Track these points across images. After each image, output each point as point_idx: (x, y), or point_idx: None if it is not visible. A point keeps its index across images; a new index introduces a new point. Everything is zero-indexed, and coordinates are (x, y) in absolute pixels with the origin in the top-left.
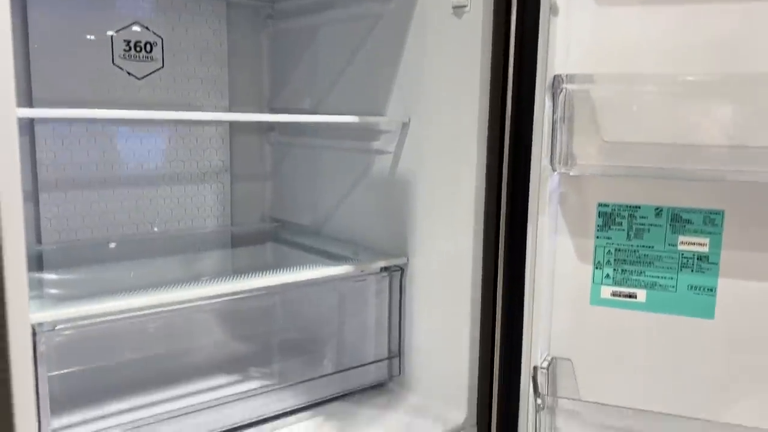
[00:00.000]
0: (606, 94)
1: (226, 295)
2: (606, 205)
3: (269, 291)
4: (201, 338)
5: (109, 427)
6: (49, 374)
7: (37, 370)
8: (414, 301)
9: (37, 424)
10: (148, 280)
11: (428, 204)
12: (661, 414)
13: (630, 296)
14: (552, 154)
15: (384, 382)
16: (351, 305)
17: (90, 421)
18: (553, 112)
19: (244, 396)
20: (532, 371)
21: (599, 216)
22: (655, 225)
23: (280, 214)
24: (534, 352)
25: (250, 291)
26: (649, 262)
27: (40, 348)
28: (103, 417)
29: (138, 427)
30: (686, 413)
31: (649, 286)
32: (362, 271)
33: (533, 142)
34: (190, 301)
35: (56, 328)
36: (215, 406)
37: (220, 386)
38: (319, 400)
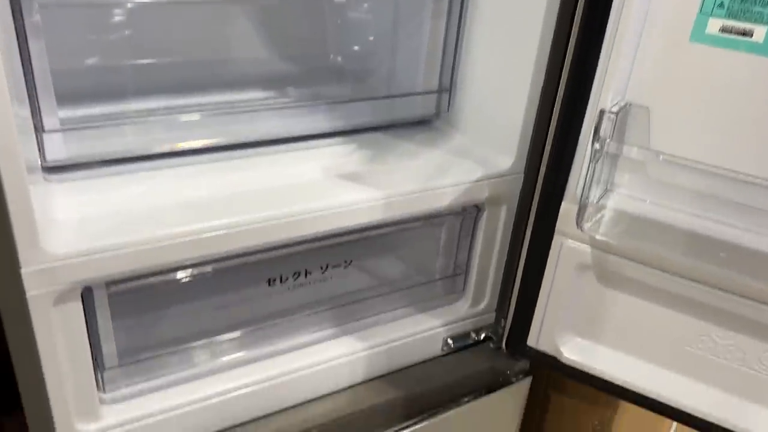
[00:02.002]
0: None
1: None
2: None
3: None
4: (235, 48)
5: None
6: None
7: None
8: (475, 25)
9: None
10: None
11: None
12: (745, 181)
13: (744, 33)
14: None
15: (430, 118)
16: (405, 24)
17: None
18: None
19: (276, 107)
20: (597, 115)
21: None
22: None
23: None
24: (604, 95)
25: None
26: None
27: None
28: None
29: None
30: None
31: None
32: None
33: None
34: None
35: None
36: (239, 112)
37: (251, 100)
38: (357, 128)
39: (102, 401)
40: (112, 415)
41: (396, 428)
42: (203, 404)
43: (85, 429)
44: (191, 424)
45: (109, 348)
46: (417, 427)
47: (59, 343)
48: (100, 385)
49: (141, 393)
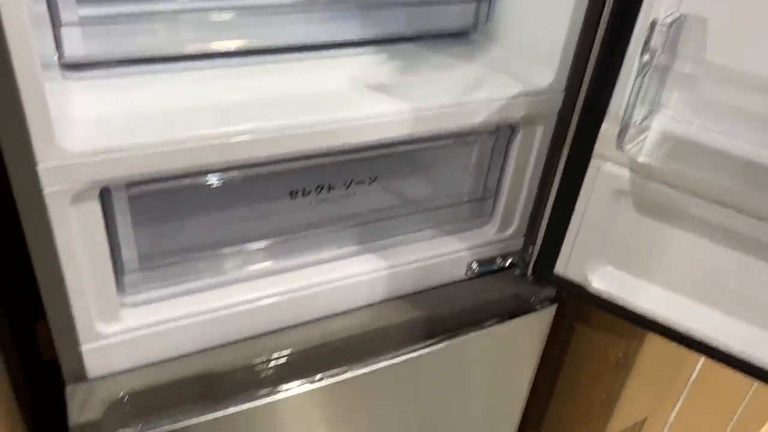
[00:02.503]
0: None
1: None
2: None
3: None
4: None
5: None
6: None
7: None
8: None
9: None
10: None
11: None
12: None
13: None
14: None
15: (467, 30)
16: None
17: None
18: None
19: (308, 11)
20: (648, 27)
21: None
22: None
23: None
24: (657, 4)
25: None
26: None
27: None
28: None
29: None
30: None
31: None
32: None
33: None
34: None
35: None
36: (270, 14)
37: (282, 3)
38: (390, 37)
39: (123, 304)
40: (132, 318)
41: (415, 348)
42: (224, 313)
43: (106, 330)
44: (211, 331)
45: (129, 252)
46: (436, 347)
47: (78, 243)
48: (121, 288)
49: (162, 299)
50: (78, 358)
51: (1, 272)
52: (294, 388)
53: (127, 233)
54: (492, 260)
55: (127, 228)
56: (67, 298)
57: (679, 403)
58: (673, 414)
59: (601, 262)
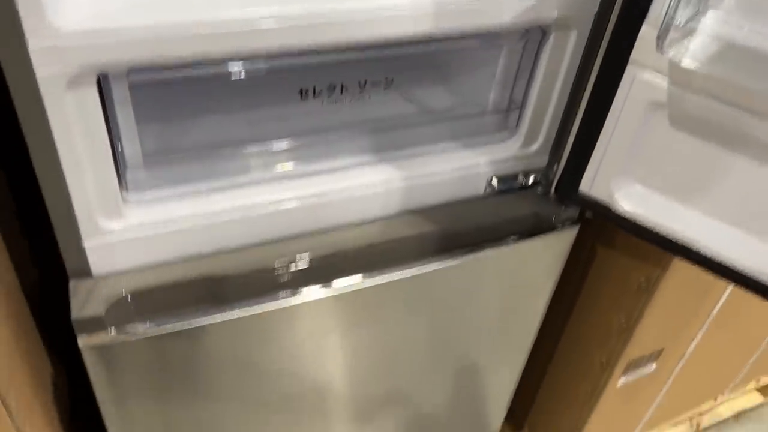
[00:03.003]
0: None
1: None
2: None
3: None
4: None
5: None
6: None
7: None
8: None
9: None
10: None
11: None
12: None
13: None
14: None
15: None
16: None
17: None
18: None
19: None
20: None
21: None
22: None
23: None
24: None
25: None
26: None
27: None
28: None
29: None
30: None
31: None
32: None
33: None
34: None
35: None
36: None
37: None
38: None
39: (126, 201)
40: (137, 215)
41: (430, 261)
42: (231, 216)
43: (109, 226)
44: (217, 234)
45: (132, 146)
46: (452, 263)
47: (76, 132)
48: (124, 185)
49: (169, 198)
50: (81, 253)
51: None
52: (307, 294)
53: (129, 126)
54: (514, 177)
55: (129, 120)
56: (67, 190)
57: (699, 335)
58: (692, 346)
59: (629, 181)
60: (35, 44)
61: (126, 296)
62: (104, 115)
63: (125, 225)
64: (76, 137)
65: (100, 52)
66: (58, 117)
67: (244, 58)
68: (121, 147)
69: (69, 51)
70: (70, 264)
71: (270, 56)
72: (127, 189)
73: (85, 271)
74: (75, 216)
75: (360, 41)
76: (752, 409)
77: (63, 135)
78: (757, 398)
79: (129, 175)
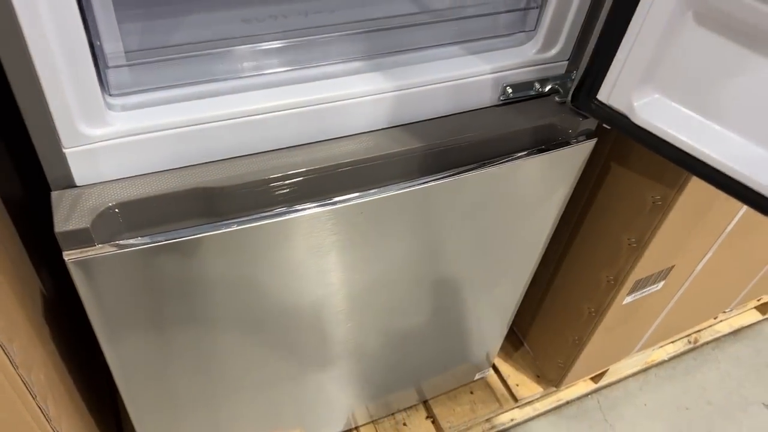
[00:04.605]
0: None
1: None
2: None
3: None
4: None
5: None
6: None
7: None
8: None
9: None
10: None
11: None
12: None
13: None
14: None
15: None
16: None
17: None
18: None
19: None
20: None
21: None
22: None
23: None
24: None
25: None
26: None
27: None
28: None
29: None
30: None
31: None
32: None
33: None
34: None
35: None
36: None
37: None
38: None
39: (110, 107)
40: (121, 122)
41: (439, 176)
42: (221, 123)
43: (92, 133)
44: (208, 144)
45: (112, 43)
46: (464, 176)
47: (47, 27)
48: (105, 87)
49: (155, 103)
50: (62, 161)
51: None
52: (306, 209)
53: (109, 21)
54: (529, 84)
55: (108, 14)
56: (42, 93)
57: (710, 253)
58: (699, 266)
59: (650, 90)
60: None
61: (113, 207)
62: (79, 8)
63: (110, 132)
64: (48, 33)
65: None
66: (27, 7)
67: None
68: (101, 44)
69: None
70: (51, 172)
71: None
72: (109, 92)
73: (69, 182)
74: (53, 120)
75: None
76: (750, 326)
77: (32, 29)
78: (755, 315)
79: (111, 77)
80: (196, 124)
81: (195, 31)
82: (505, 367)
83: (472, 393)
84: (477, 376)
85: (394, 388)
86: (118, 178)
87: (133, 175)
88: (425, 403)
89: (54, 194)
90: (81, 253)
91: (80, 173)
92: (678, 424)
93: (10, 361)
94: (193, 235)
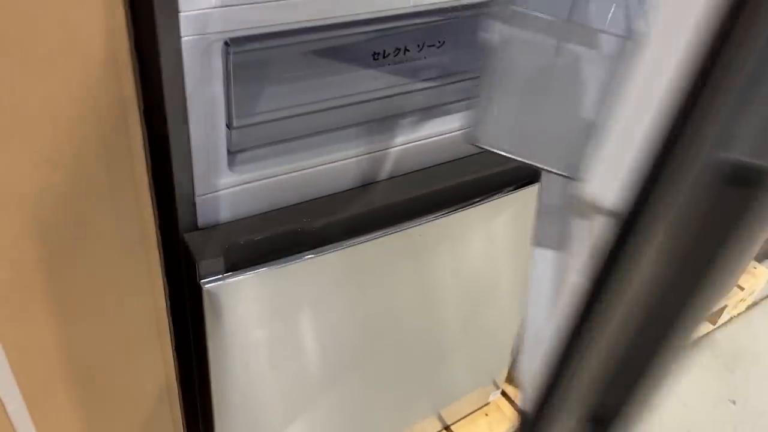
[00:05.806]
0: None
1: None
2: None
3: None
4: None
5: None
6: None
7: None
8: None
9: None
10: None
11: None
12: None
13: None
14: None
15: None
16: None
17: None
18: None
19: None
20: None
21: None
22: None
23: None
24: None
25: None
26: None
27: None
28: None
29: None
30: None
31: None
32: None
33: None
34: None
35: None
36: None
37: None
38: None
39: (230, 160)
40: (237, 171)
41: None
42: (319, 169)
43: (216, 182)
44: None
45: (236, 108)
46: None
47: (200, 92)
48: (229, 143)
49: (265, 156)
50: (192, 207)
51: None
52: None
53: (236, 89)
54: None
55: (237, 84)
56: (189, 147)
57: None
58: None
59: None
60: (186, 13)
61: (237, 242)
62: (225, 78)
63: (229, 181)
64: (199, 97)
65: (231, 20)
66: (192, 79)
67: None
68: (231, 108)
69: (208, 19)
70: (183, 218)
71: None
72: (230, 148)
73: (195, 225)
74: (192, 172)
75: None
76: None
77: (194, 95)
78: None
79: (234, 134)
80: (296, 172)
81: (291, 97)
82: (510, 389)
83: (487, 415)
84: (491, 398)
85: (418, 415)
86: (230, 219)
87: (243, 215)
88: (447, 429)
89: (186, 235)
90: (212, 281)
91: (203, 217)
92: None
93: None
94: (299, 260)
